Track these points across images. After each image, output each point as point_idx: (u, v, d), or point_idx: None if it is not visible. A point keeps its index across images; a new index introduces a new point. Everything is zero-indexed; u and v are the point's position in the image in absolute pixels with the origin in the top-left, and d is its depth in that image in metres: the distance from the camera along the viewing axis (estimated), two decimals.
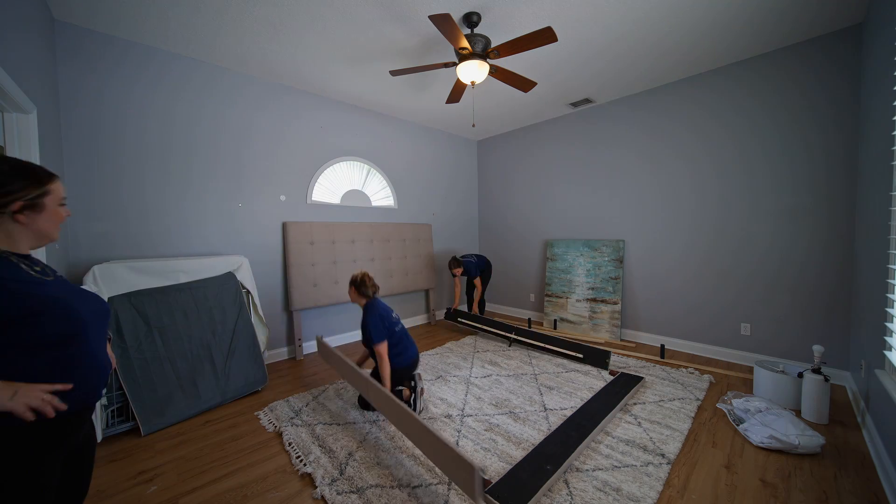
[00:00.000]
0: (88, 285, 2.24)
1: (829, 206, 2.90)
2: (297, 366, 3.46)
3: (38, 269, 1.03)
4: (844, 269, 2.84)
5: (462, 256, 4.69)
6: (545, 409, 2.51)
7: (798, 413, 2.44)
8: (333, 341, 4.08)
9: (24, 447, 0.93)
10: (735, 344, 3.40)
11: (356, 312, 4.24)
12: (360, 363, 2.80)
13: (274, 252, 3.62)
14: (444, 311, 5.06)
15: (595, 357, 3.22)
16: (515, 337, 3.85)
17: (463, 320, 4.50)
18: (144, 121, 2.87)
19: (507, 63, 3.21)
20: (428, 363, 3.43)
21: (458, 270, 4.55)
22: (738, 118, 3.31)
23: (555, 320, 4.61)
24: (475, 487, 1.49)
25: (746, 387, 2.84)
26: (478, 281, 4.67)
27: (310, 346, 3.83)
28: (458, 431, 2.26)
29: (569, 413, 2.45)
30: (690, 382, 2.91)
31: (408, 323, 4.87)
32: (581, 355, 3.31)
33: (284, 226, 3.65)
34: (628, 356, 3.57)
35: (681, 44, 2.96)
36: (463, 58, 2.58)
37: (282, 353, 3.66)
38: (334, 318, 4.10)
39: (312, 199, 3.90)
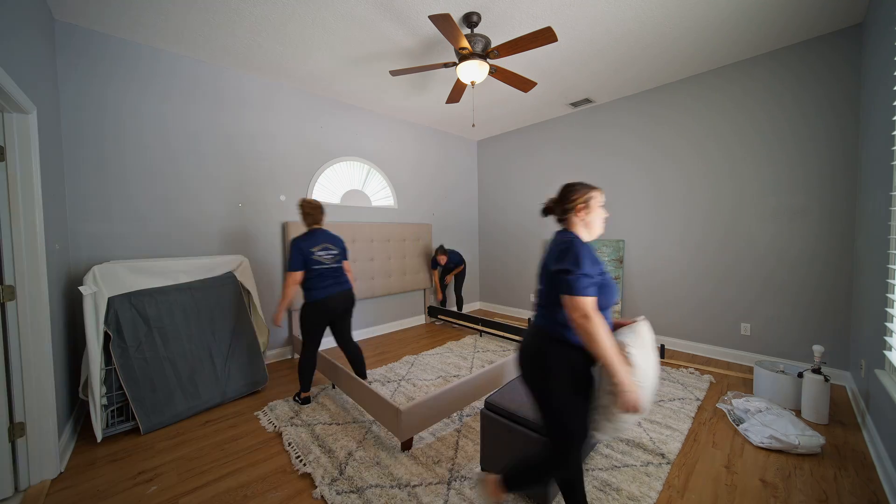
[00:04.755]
0: (88, 285, 2.24)
1: (829, 206, 2.90)
2: (295, 366, 3.45)
3: None
4: (844, 269, 2.84)
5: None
6: None
7: (798, 413, 2.44)
8: (332, 341, 4.08)
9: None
10: (735, 344, 3.40)
11: (355, 313, 4.29)
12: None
13: (274, 252, 3.62)
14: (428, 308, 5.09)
15: None
16: (482, 328, 4.30)
17: (442, 317, 4.85)
18: (144, 120, 2.87)
19: (507, 63, 3.21)
20: (428, 363, 3.43)
21: (443, 258, 4.71)
22: (739, 118, 3.31)
23: None
24: (399, 424, 1.99)
25: (746, 387, 2.84)
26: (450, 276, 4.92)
27: None
28: (458, 431, 2.26)
29: None
30: (690, 382, 2.91)
31: (406, 323, 4.85)
32: None
33: (285, 226, 3.65)
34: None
35: (681, 44, 2.96)
36: (463, 58, 2.58)
37: (281, 353, 3.67)
38: None
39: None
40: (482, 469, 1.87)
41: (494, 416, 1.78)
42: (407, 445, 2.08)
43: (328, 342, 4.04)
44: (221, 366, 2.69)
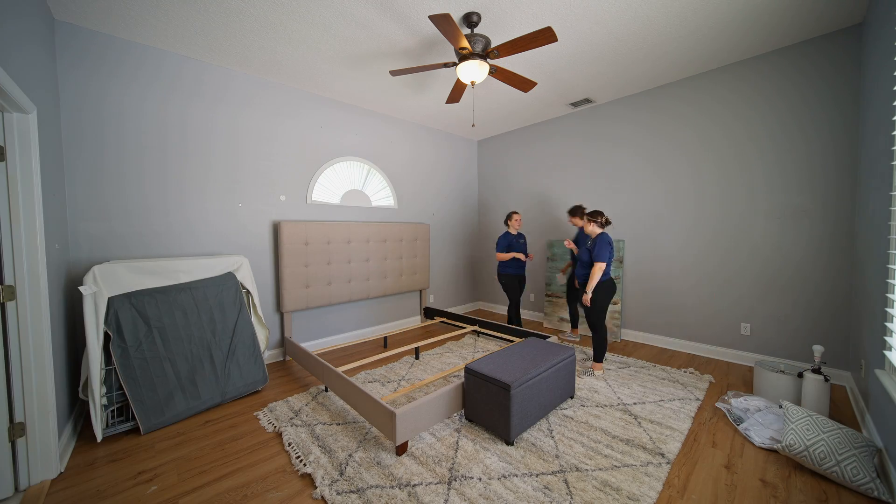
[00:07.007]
0: (88, 285, 2.24)
1: (829, 206, 2.90)
2: (287, 370, 3.43)
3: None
4: (844, 269, 2.84)
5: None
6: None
7: None
8: (325, 343, 4.07)
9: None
10: (735, 344, 3.40)
11: (348, 314, 4.28)
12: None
13: (271, 253, 3.62)
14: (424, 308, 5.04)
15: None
16: (479, 329, 4.27)
17: (439, 318, 4.84)
18: (144, 120, 2.87)
19: (507, 63, 3.21)
20: (428, 363, 3.43)
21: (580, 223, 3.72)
22: (738, 118, 3.31)
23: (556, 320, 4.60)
24: (395, 429, 1.98)
25: (746, 387, 2.84)
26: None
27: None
28: (458, 431, 2.26)
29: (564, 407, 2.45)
30: (690, 382, 2.91)
31: (402, 324, 4.84)
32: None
33: (277, 226, 3.59)
34: (628, 356, 3.57)
35: (681, 44, 2.96)
36: (463, 58, 2.58)
37: (275, 354, 3.65)
38: (326, 319, 4.06)
39: (312, 199, 3.90)
40: (466, 419, 2.35)
41: (473, 378, 2.29)
42: (402, 450, 2.06)
43: (326, 342, 4.04)
44: (221, 366, 2.69)
